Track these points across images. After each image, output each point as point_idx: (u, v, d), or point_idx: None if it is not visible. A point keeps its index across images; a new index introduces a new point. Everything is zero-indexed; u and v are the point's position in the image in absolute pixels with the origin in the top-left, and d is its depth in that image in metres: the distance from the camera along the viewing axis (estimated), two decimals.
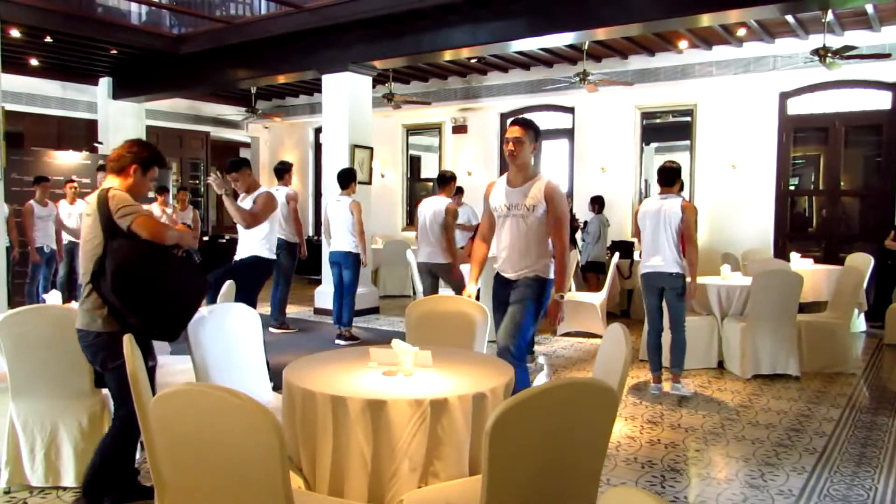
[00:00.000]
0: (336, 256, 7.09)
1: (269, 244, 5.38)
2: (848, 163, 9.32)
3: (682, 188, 5.46)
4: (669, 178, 5.31)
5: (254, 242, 5.33)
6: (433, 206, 6.56)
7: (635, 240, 5.76)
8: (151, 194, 10.81)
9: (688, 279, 5.20)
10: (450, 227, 6.50)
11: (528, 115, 11.54)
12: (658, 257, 5.21)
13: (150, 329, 2.97)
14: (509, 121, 3.86)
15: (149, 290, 2.90)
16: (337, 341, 7.08)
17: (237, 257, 5.43)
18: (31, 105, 11.29)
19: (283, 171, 7.89)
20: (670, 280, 5.20)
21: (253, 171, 5.68)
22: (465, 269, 7.64)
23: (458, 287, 6.65)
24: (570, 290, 7.83)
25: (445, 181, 6.78)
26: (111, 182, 3.07)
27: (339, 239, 7.04)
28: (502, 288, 3.96)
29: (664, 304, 5.33)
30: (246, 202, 5.27)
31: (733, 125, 9.58)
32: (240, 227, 5.33)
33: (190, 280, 3.08)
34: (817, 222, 9.70)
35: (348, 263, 7.03)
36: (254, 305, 5.42)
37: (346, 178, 7.08)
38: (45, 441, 3.35)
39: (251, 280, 5.31)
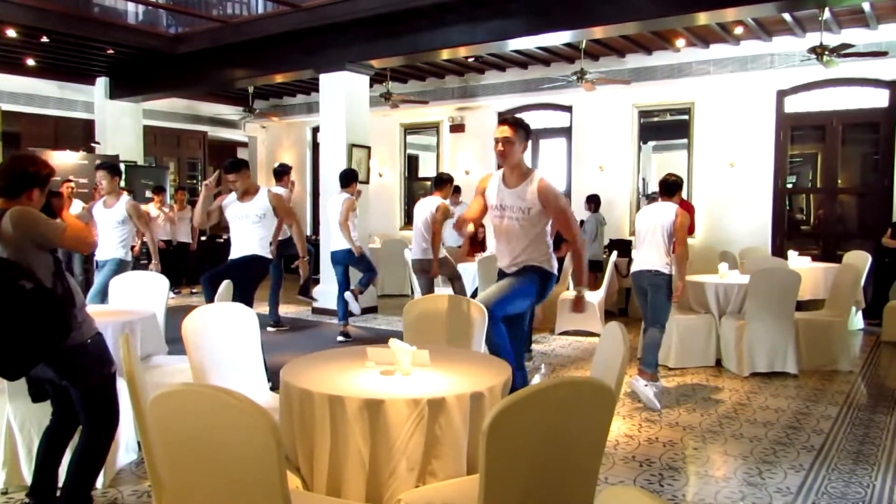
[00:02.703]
0: (339, 256, 7.09)
1: (267, 243, 5.35)
2: (845, 161, 9.32)
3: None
4: (671, 190, 5.41)
5: (253, 242, 5.26)
6: (428, 207, 6.62)
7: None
8: (149, 193, 10.83)
9: (676, 281, 5.20)
10: (436, 221, 6.51)
11: (525, 114, 11.63)
12: (643, 257, 5.29)
13: None
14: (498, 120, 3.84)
15: None
16: (339, 338, 7.10)
17: (234, 256, 5.32)
18: (29, 105, 11.27)
19: (282, 173, 7.99)
20: (650, 277, 5.23)
21: (250, 170, 5.67)
22: (461, 267, 7.69)
23: (454, 276, 6.68)
24: (568, 290, 7.83)
25: (442, 183, 6.83)
26: (4, 206, 2.75)
27: (338, 236, 7.05)
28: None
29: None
30: (249, 204, 5.18)
31: (731, 123, 9.58)
32: (236, 228, 5.28)
33: (38, 320, 2.62)
34: (815, 220, 9.71)
35: (354, 260, 7.05)
36: (251, 304, 5.42)
37: (347, 178, 7.12)
38: None
39: (250, 277, 5.26)
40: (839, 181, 9.31)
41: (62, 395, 2.97)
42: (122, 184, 10.61)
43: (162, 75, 10.67)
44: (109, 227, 5.90)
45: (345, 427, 2.36)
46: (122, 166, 11.15)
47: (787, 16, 7.84)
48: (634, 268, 5.39)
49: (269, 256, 5.40)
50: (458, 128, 12.14)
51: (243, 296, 5.12)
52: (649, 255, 5.23)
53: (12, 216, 2.70)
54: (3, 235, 2.70)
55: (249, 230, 5.23)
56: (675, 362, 6.02)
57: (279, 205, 5.23)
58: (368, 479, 2.37)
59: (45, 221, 2.80)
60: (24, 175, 2.81)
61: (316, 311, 9.02)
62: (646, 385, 4.98)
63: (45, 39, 9.25)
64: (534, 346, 6.79)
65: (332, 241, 7.14)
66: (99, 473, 3.00)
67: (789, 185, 9.64)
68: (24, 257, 2.72)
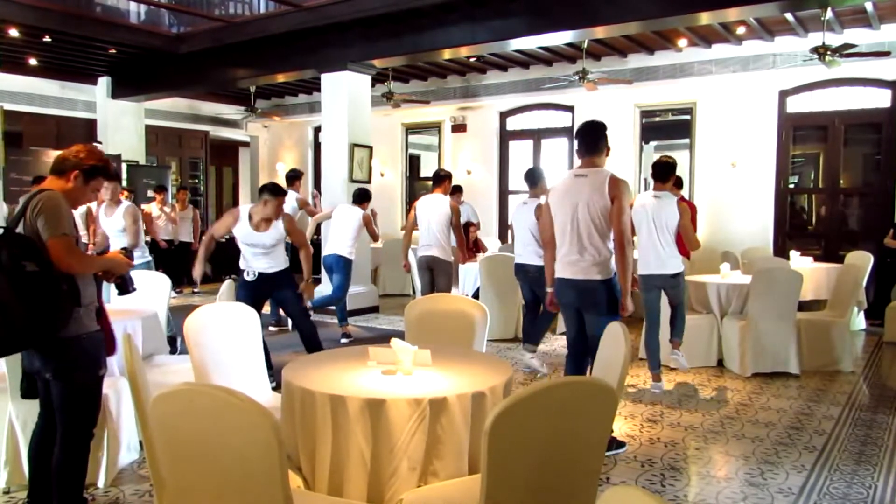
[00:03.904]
0: (330, 259, 7.10)
1: (285, 254, 5.31)
2: (847, 161, 9.31)
3: (680, 186, 5.46)
4: (664, 173, 5.31)
5: (276, 262, 5.15)
6: (438, 205, 6.59)
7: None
8: (150, 193, 10.83)
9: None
10: (458, 226, 6.71)
11: (526, 114, 11.61)
12: (657, 260, 5.23)
13: None
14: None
15: None
16: (342, 340, 7.12)
17: (266, 270, 5.11)
18: (30, 104, 11.28)
19: (294, 179, 8.07)
20: (670, 281, 5.23)
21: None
22: (463, 268, 7.68)
23: (449, 287, 6.67)
24: None
25: (441, 179, 6.81)
26: (51, 183, 2.88)
27: (337, 242, 7.06)
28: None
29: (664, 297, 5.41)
30: (263, 235, 5.02)
31: (733, 123, 9.57)
32: (248, 251, 5.12)
33: (26, 304, 2.55)
34: (817, 220, 9.70)
35: (339, 267, 7.06)
36: (307, 314, 5.36)
37: (361, 198, 7.26)
38: None
39: (294, 291, 5.22)
40: (841, 181, 9.30)
41: (51, 394, 2.87)
42: (123, 183, 10.67)
43: (164, 75, 10.68)
44: (108, 229, 5.93)
45: (346, 427, 2.36)
46: (124, 166, 11.18)
47: (789, 16, 7.82)
48: (647, 270, 5.30)
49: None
50: (459, 127, 12.13)
51: (299, 311, 5.16)
52: (661, 257, 5.20)
53: (42, 195, 2.75)
54: (27, 215, 2.72)
55: (262, 253, 5.12)
56: (676, 362, 6.01)
57: (292, 228, 5.14)
58: (370, 478, 2.37)
59: (59, 216, 2.72)
60: (70, 158, 2.96)
61: (317, 310, 9.02)
62: (681, 356, 5.54)
63: (46, 39, 9.25)
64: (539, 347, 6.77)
65: (329, 245, 7.16)
66: (85, 474, 2.92)
67: (791, 186, 9.62)
68: (40, 239, 2.68)
